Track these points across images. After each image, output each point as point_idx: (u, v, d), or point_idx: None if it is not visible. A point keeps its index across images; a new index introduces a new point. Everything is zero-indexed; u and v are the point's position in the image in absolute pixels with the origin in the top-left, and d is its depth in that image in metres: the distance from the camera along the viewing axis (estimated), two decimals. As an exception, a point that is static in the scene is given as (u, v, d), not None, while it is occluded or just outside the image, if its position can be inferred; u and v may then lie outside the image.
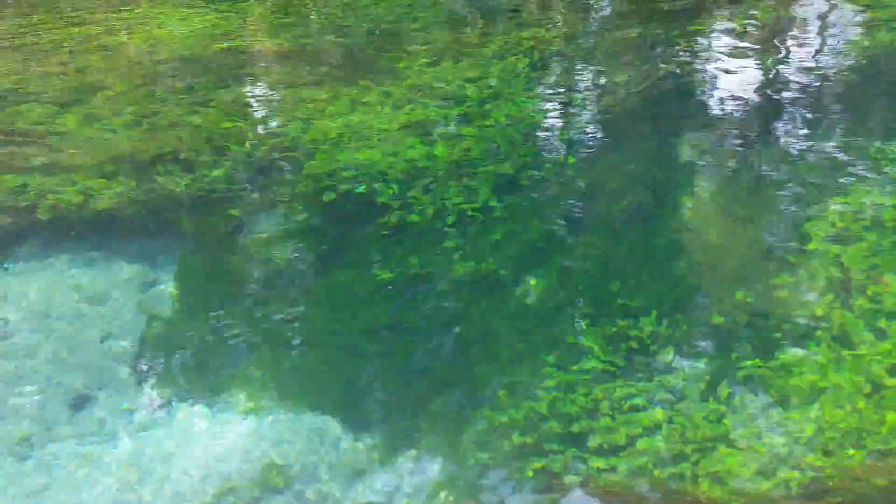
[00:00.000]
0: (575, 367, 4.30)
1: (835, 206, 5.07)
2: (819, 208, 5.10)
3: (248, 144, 6.26)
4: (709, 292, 4.74)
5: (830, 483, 3.45)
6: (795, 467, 3.54)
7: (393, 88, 6.96)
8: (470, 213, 5.40)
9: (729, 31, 7.85)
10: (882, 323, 4.19)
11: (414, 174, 5.79)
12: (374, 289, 4.97)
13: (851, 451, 3.54)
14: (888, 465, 3.47)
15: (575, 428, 3.93)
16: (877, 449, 3.54)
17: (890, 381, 3.83)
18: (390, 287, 4.97)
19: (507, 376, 4.34)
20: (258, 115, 6.96)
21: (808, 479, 3.46)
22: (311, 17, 9.10)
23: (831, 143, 5.89)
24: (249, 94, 7.35)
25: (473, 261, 5.07)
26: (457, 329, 4.76)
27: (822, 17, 8.09)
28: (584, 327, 4.54)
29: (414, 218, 5.40)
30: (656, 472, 3.63)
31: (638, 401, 4.03)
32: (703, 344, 4.38)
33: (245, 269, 5.32)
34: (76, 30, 8.81)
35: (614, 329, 4.47)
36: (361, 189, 5.63)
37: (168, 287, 5.15)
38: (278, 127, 6.63)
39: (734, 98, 6.66)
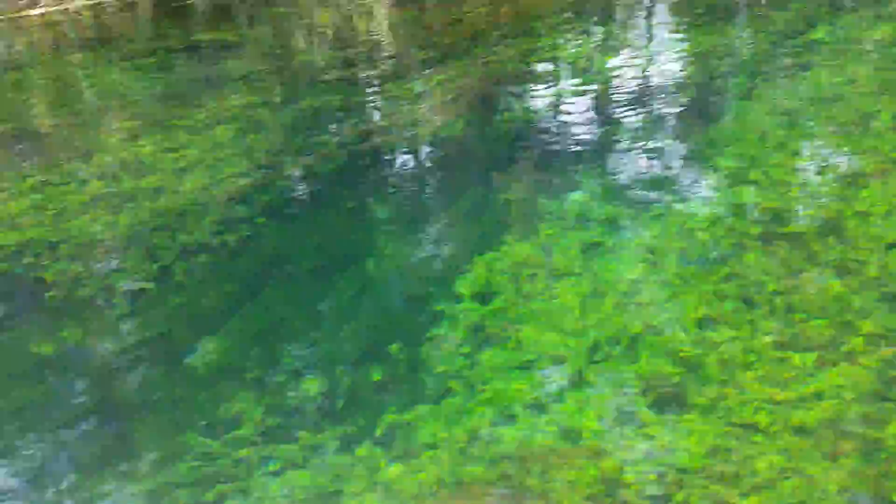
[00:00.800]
0: (227, 435, 4.18)
1: (487, 257, 5.31)
2: (473, 261, 5.31)
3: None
4: (371, 347, 4.79)
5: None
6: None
7: (84, 165, 6.71)
8: (146, 281, 5.22)
9: (413, 97, 8.25)
10: (509, 374, 4.33)
11: (90, 247, 5.51)
12: (29, 365, 4.65)
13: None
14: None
15: (206, 495, 3.80)
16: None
17: (486, 430, 3.94)
18: (49, 362, 4.66)
19: (159, 446, 4.15)
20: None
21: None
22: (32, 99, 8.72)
23: (504, 197, 6.12)
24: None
25: (142, 329, 4.87)
26: (115, 400, 4.49)
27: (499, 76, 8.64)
28: (246, 392, 4.45)
29: (81, 291, 5.13)
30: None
31: (274, 465, 3.93)
32: (354, 401, 4.36)
33: None
34: None
35: (274, 392, 4.41)
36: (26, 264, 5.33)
37: None
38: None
39: (419, 159, 6.91)
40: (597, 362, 4.26)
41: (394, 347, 4.64)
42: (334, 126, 7.61)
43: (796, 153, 5.70)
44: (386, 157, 7.14)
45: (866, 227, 4.66)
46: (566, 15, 10.38)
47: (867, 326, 3.97)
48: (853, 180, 5.21)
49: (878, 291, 4.16)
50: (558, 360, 4.32)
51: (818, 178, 5.34)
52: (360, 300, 5.20)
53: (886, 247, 4.46)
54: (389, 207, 6.31)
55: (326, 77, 9.22)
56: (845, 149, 5.64)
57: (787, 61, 7.50)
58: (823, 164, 5.52)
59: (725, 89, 7.05)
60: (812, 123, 6.09)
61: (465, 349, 4.54)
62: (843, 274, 4.33)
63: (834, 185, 5.22)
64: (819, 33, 7.97)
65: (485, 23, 10.77)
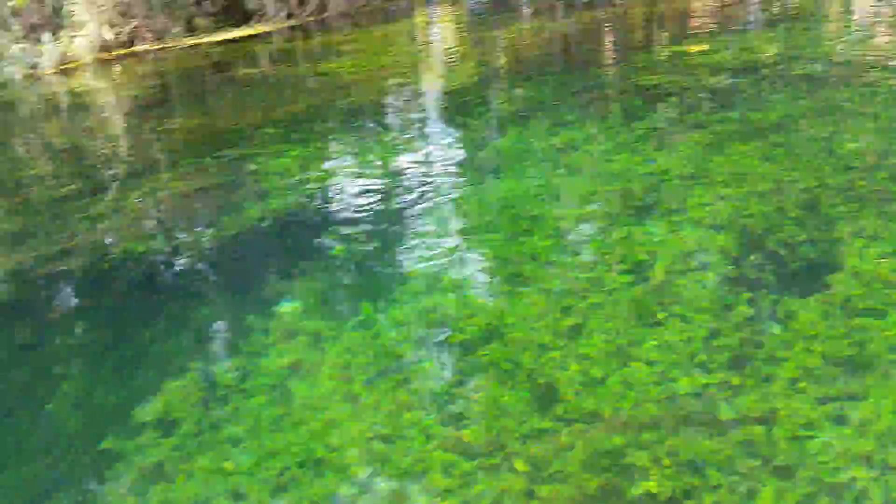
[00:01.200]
0: None
1: (174, 384, 5.02)
2: (158, 391, 4.98)
3: None
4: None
5: None
6: None
7: None
8: None
9: (116, 212, 7.89)
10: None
11: None
12: None
13: None
14: None
15: None
16: None
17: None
18: None
19: None
20: None
21: None
22: None
23: (205, 315, 5.94)
24: None
25: None
26: None
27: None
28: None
29: None
30: None
31: None
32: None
33: None
34: None
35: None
36: None
37: None
38: None
39: (109, 281, 6.56)
40: (280, 492, 4.09)
41: (53, 501, 4.18)
42: (13, 250, 7.00)
43: (479, 259, 6.02)
44: (71, 282, 6.72)
45: (525, 330, 4.94)
46: (309, 125, 10.56)
47: (522, 429, 4.15)
48: (516, 284, 5.55)
49: (532, 394, 4.38)
50: (239, 496, 4.09)
51: (487, 284, 5.65)
52: (21, 448, 4.69)
53: (539, 348, 4.75)
54: (68, 339, 5.87)
55: (26, 194, 8.55)
56: (512, 253, 6.01)
57: (478, 168, 8.03)
58: (495, 270, 5.85)
59: (423, 199, 7.35)
60: (487, 231, 6.47)
61: (138, 491, 4.20)
62: (503, 378, 4.53)
63: (500, 289, 5.53)
64: (507, 141, 8.63)
65: (223, 129, 10.69)
